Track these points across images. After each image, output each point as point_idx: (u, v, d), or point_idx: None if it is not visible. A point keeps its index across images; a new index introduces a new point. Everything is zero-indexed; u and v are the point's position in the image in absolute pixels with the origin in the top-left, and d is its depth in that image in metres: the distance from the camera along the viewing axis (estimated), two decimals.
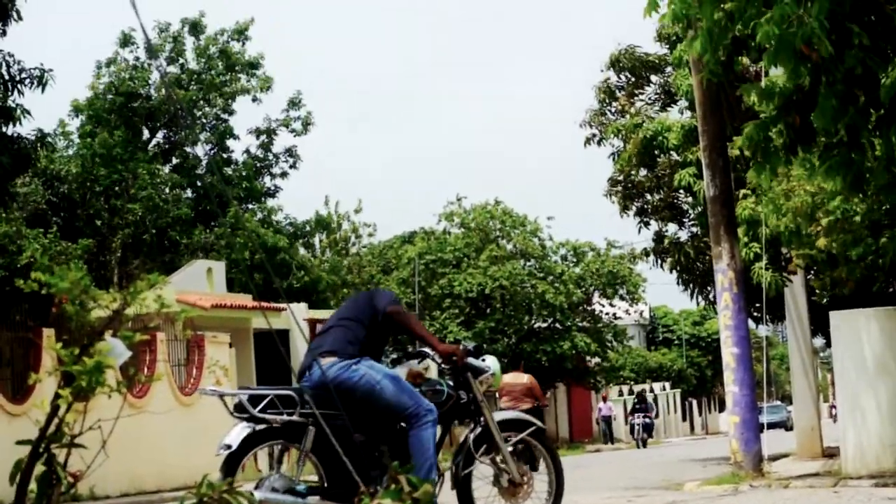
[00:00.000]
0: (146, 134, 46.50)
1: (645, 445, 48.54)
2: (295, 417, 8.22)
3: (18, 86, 24.08)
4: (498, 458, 8.76)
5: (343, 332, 8.57)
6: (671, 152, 24.86)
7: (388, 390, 8.34)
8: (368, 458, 8.10)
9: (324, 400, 8.17)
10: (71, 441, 3.94)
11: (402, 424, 8.35)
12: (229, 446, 8.17)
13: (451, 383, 8.82)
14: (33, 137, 24.75)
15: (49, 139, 25.76)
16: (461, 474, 8.61)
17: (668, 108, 26.88)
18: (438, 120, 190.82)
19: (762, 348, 35.22)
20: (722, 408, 68.90)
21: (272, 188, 49.40)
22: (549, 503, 8.86)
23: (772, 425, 47.28)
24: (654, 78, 27.38)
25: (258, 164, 49.22)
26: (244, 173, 47.79)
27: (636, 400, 52.70)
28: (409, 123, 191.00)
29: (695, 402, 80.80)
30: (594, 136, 26.87)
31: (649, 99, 27.43)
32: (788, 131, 13.31)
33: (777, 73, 14.10)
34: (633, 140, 24.88)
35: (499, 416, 8.98)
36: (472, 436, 8.74)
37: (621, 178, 26.37)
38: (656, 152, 24.96)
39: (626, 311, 57.41)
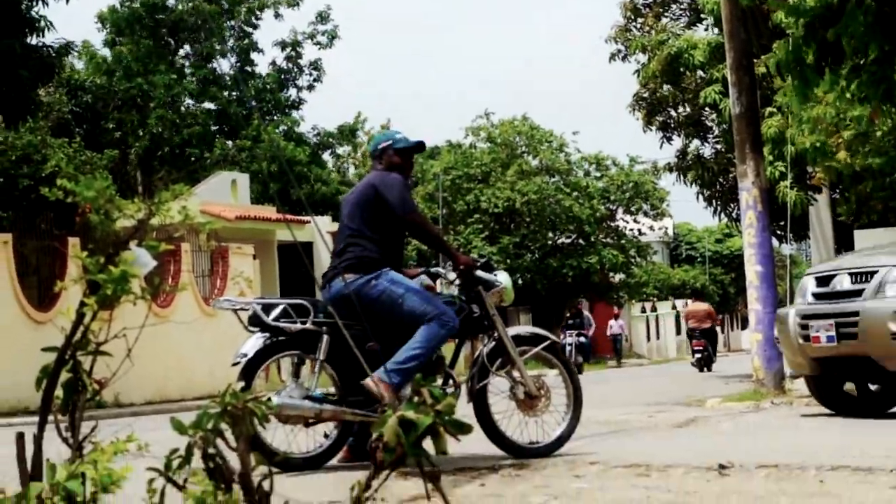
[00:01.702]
0: (172, 46, 46.42)
1: (580, 371, 35.22)
2: (308, 325, 8.28)
3: None
4: (513, 372, 8.79)
5: (360, 245, 8.54)
6: (697, 70, 24.73)
7: (409, 302, 8.36)
8: (380, 367, 8.08)
9: (342, 314, 8.15)
10: (96, 349, 3.97)
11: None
12: (245, 355, 8.25)
13: (463, 298, 8.82)
14: (57, 45, 24.71)
15: (73, 49, 25.69)
16: (476, 387, 8.63)
17: (695, 26, 26.73)
18: (467, 37, 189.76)
19: (785, 267, 35.16)
20: (744, 326, 68.92)
21: (297, 100, 49.33)
22: (568, 417, 8.88)
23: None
24: None
25: (283, 77, 49.11)
26: (269, 85, 47.70)
27: (569, 315, 42.95)
28: (437, 41, 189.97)
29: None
30: (619, 52, 26.75)
31: (675, 16, 27.27)
32: (817, 50, 13.23)
33: None
34: (658, 56, 24.75)
35: (513, 330, 9.00)
36: (485, 350, 8.76)
37: (646, 94, 26.27)
38: (682, 69, 24.83)
39: (651, 228, 57.28)
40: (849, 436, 9.71)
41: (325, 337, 8.28)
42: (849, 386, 12.62)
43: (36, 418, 3.94)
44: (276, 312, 8.31)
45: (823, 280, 11.94)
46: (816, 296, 11.94)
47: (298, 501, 5.86)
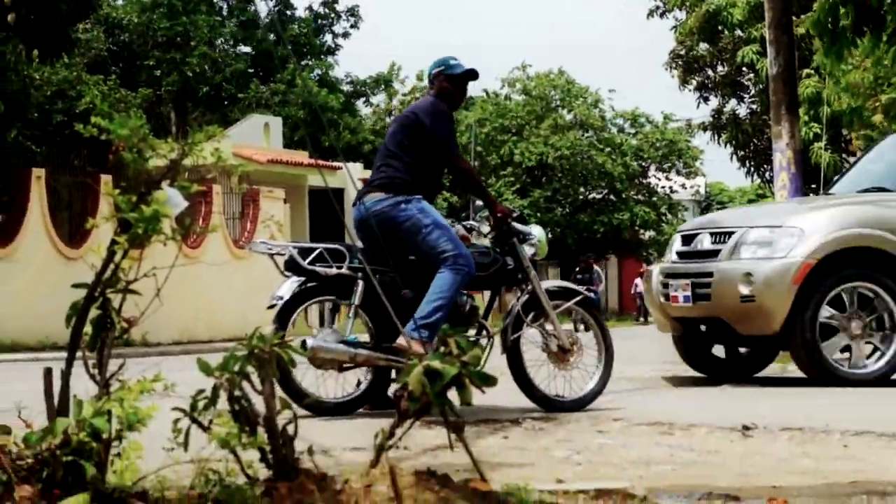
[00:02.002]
0: None
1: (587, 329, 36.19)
2: (344, 270, 8.30)
3: None
4: (547, 325, 8.78)
5: (394, 166, 8.54)
6: (735, 28, 24.59)
7: (432, 234, 8.36)
8: (415, 311, 8.13)
9: (370, 239, 8.34)
10: (126, 287, 3.98)
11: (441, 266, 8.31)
12: (281, 298, 8.29)
13: (497, 249, 8.81)
14: None
15: None
16: (510, 339, 8.63)
17: None
18: None
19: None
20: None
21: (332, 46, 49.23)
22: (598, 373, 8.89)
23: None
24: None
25: (319, 22, 49.01)
26: (304, 30, 47.60)
27: (578, 269, 42.24)
28: None
29: None
30: (657, 7, 26.63)
31: None
32: (855, 12, 13.13)
33: None
34: (696, 13, 24.63)
35: (546, 283, 9.00)
36: (520, 302, 8.75)
37: (683, 51, 26.15)
38: (720, 27, 24.69)
39: (683, 186, 57.12)
40: (875, 400, 9.69)
41: (360, 282, 8.29)
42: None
43: (64, 354, 3.96)
44: (312, 256, 8.30)
45: (688, 238, 11.82)
46: (679, 254, 11.86)
47: (322, 446, 5.88)
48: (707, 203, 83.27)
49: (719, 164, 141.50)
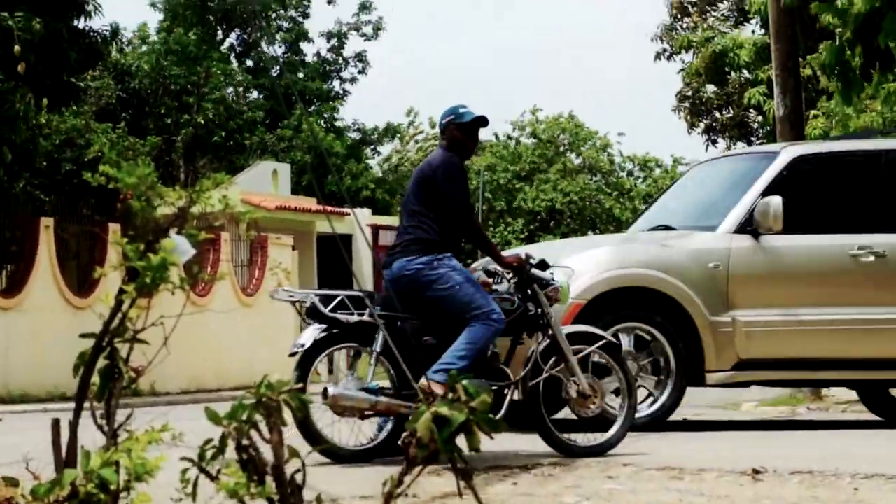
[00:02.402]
0: (220, 34, 46.55)
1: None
2: (366, 318, 8.28)
3: None
4: (567, 371, 8.77)
5: (422, 227, 8.57)
6: (742, 70, 24.66)
7: (464, 290, 8.40)
8: (435, 361, 8.20)
9: (400, 298, 8.37)
10: (133, 336, 3.98)
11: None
12: (303, 345, 8.30)
13: (519, 295, 8.82)
14: (106, 33, 24.80)
15: (121, 35, 25.80)
16: (529, 385, 8.63)
17: (741, 26, 26.65)
18: (513, 29, 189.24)
19: None
20: None
21: (341, 92, 49.33)
22: (622, 416, 8.90)
23: None
24: None
25: (327, 68, 49.13)
26: (311, 76, 47.73)
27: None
28: (481, 33, 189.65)
29: None
30: (665, 50, 26.72)
31: (722, 16, 27.20)
32: (863, 54, 13.18)
33: None
34: (703, 53, 24.71)
35: (568, 329, 9.01)
36: (539, 348, 8.74)
37: (690, 93, 26.22)
38: (727, 69, 24.76)
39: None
40: (885, 443, 9.66)
41: (382, 330, 8.28)
42: None
43: (72, 405, 3.95)
44: (333, 304, 8.33)
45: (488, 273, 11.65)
46: None
47: (331, 495, 5.86)
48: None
49: None
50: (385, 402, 8.22)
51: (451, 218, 8.59)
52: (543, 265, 9.02)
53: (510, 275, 8.88)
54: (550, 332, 8.77)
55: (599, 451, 8.64)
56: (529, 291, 8.80)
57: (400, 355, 8.04)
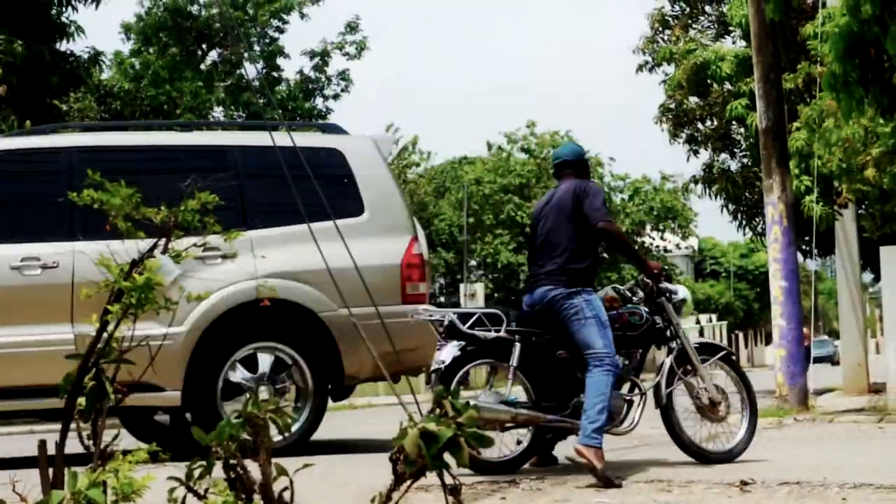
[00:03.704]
0: (199, 53, 46.50)
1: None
2: (502, 334, 8.55)
3: (73, 2, 24.12)
4: (695, 380, 9.11)
5: (566, 258, 8.79)
6: (724, 82, 24.70)
7: (589, 328, 8.57)
8: (570, 375, 8.62)
9: (538, 315, 8.72)
10: (119, 356, 3.98)
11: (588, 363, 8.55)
12: (443, 362, 8.55)
13: (647, 309, 9.13)
14: (87, 56, 24.79)
15: (102, 58, 25.79)
16: (664, 394, 8.93)
17: (723, 39, 26.69)
18: (499, 50, 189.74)
19: (811, 282, 35.07)
20: (768, 341, 68.80)
21: (323, 110, 49.28)
22: (745, 424, 9.21)
23: (818, 360, 47.23)
24: (708, 8, 27.19)
25: (310, 86, 49.10)
26: (294, 94, 47.69)
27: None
28: (467, 53, 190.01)
29: (741, 335, 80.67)
30: (646, 63, 26.76)
31: (703, 28, 27.25)
32: (861, 66, 13.27)
33: (835, 6, 13.99)
34: (684, 66, 24.74)
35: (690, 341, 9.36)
36: (671, 357, 9.06)
37: (672, 105, 26.25)
38: (709, 81, 24.80)
39: (676, 246, 57.31)
40: (872, 453, 9.67)
41: (517, 345, 8.58)
42: None
43: (58, 426, 3.95)
44: (471, 321, 8.59)
45: None
46: None
47: None
48: (700, 259, 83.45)
49: (710, 218, 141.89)
50: (525, 413, 8.50)
51: (595, 229, 8.79)
52: (668, 277, 9.47)
53: (642, 294, 9.22)
54: (679, 342, 9.11)
55: (729, 457, 8.95)
56: (656, 305, 9.14)
57: (536, 369, 8.59)
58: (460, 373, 8.57)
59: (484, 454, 8.37)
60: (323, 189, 8.91)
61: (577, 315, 8.61)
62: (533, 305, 8.85)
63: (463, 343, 8.59)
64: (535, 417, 8.51)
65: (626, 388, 8.93)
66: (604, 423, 8.32)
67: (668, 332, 9.13)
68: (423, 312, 8.84)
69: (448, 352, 8.62)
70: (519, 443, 8.67)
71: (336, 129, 11.54)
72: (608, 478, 7.78)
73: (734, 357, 9.58)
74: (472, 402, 8.02)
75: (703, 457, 8.90)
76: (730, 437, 9.15)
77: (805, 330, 41.13)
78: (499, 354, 8.65)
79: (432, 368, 8.69)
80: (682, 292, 9.34)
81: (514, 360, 8.55)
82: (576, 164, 9.27)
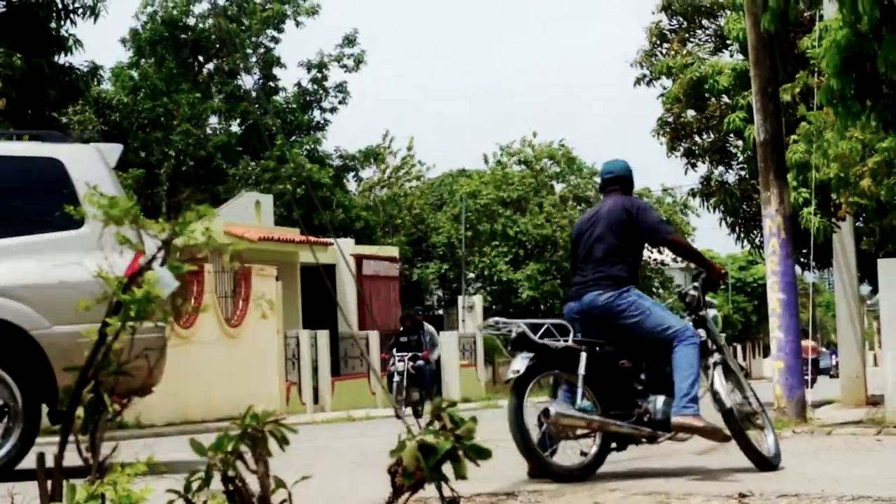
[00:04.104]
0: (195, 65, 46.55)
1: (419, 413, 25.31)
2: (570, 343, 8.82)
3: (71, 15, 24.16)
4: (739, 390, 9.46)
5: (610, 263, 9.23)
6: (721, 96, 24.73)
7: (655, 315, 9.09)
8: (632, 384, 9.00)
9: (593, 327, 9.08)
10: (118, 369, 3.98)
11: (671, 342, 9.03)
12: (518, 371, 8.71)
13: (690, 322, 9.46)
14: (85, 69, 24.81)
15: (100, 72, 25.83)
16: (725, 399, 9.20)
17: (720, 52, 26.73)
18: (498, 62, 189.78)
19: (808, 295, 35.06)
20: (766, 354, 68.78)
21: (321, 122, 49.35)
22: (770, 431, 9.54)
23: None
24: (705, 22, 27.24)
25: (307, 98, 49.16)
26: (292, 106, 47.77)
27: (401, 329, 28.11)
28: (467, 65, 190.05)
29: (739, 347, 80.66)
30: (644, 76, 26.79)
31: (700, 41, 27.29)
32: (856, 80, 13.29)
33: (831, 18, 14.00)
34: (681, 80, 24.78)
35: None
36: (719, 369, 9.34)
37: (670, 118, 26.28)
38: (707, 95, 24.83)
39: (674, 260, 57.32)
40: (871, 466, 9.66)
41: (584, 354, 8.87)
42: None
43: (57, 438, 3.95)
44: (541, 332, 8.83)
45: None
46: None
47: None
48: (697, 272, 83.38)
49: (708, 231, 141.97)
50: (599, 420, 8.79)
51: (641, 243, 9.45)
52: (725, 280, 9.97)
53: (682, 301, 9.70)
54: (721, 355, 9.42)
55: (776, 465, 9.23)
56: (698, 318, 9.49)
57: (601, 378, 8.90)
58: (532, 382, 8.78)
59: (563, 462, 8.75)
60: (40, 201, 8.75)
61: (635, 310, 9.05)
62: (581, 313, 9.14)
63: (533, 353, 8.76)
64: (607, 424, 8.80)
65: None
66: (697, 393, 8.86)
67: (708, 344, 9.38)
68: (492, 324, 9.03)
69: (520, 362, 8.76)
70: (583, 454, 8.89)
71: (56, 138, 10.98)
72: (715, 429, 8.80)
73: (745, 371, 10.01)
74: (551, 409, 8.60)
75: (766, 464, 9.15)
76: (761, 445, 9.37)
77: (812, 343, 44.58)
78: (564, 364, 8.91)
79: (507, 378, 8.85)
80: (713, 310, 9.71)
81: (581, 369, 8.83)
82: (625, 181, 9.65)
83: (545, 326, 8.83)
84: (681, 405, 8.75)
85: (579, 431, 8.79)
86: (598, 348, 8.91)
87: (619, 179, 9.63)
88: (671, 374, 9.04)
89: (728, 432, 9.03)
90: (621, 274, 9.18)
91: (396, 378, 26.27)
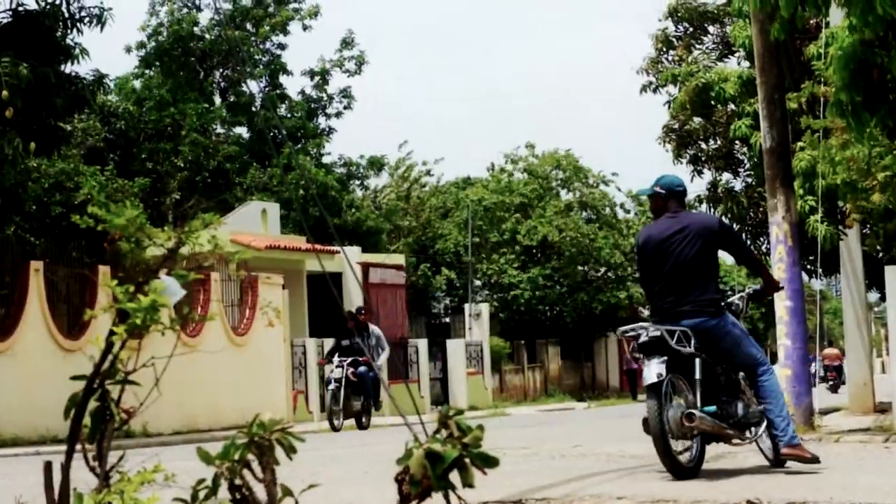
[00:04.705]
0: (202, 74, 46.61)
1: (366, 425, 24.54)
2: (693, 350, 9.42)
3: (78, 24, 24.18)
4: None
5: (707, 287, 9.74)
6: (728, 103, 24.72)
7: (745, 343, 9.82)
8: (722, 388, 9.66)
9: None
10: (125, 378, 3.97)
11: (756, 369, 9.85)
12: (661, 375, 9.24)
13: None
14: (91, 78, 24.83)
15: (106, 81, 25.84)
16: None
17: (726, 59, 26.72)
18: (504, 67, 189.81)
19: (816, 302, 35.00)
20: (773, 361, 68.67)
21: (327, 129, 49.37)
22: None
23: (824, 379, 47.45)
24: (711, 29, 27.23)
25: (312, 105, 49.19)
26: (297, 114, 47.79)
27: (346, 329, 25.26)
28: (472, 70, 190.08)
29: None
30: (650, 83, 26.78)
31: (707, 49, 27.27)
32: (864, 89, 13.28)
33: (838, 25, 13.99)
34: (687, 87, 24.77)
35: None
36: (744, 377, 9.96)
37: (676, 125, 26.26)
38: (713, 102, 24.82)
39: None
40: (879, 473, 9.65)
41: (698, 361, 9.46)
42: None
43: (64, 447, 3.94)
44: (675, 338, 9.39)
45: None
46: None
47: None
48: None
49: None
50: (718, 424, 9.42)
51: (746, 259, 10.26)
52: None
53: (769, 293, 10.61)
54: None
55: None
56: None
57: (704, 383, 9.49)
58: (664, 386, 9.25)
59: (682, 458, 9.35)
60: None
61: (730, 336, 9.69)
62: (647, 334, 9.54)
63: (666, 357, 9.27)
64: (721, 428, 9.46)
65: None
66: (789, 422, 9.69)
67: None
68: (633, 331, 9.49)
69: (659, 366, 9.24)
70: (685, 451, 9.43)
71: None
72: (816, 458, 9.50)
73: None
74: (695, 413, 9.21)
75: (781, 464, 9.82)
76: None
77: (836, 350, 48.94)
78: (683, 369, 9.44)
79: (648, 382, 9.24)
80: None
81: (697, 374, 9.41)
82: (682, 195, 10.16)
83: (677, 332, 9.34)
84: (788, 435, 9.57)
85: (696, 433, 9.34)
86: (704, 355, 9.49)
87: (681, 193, 10.12)
88: (740, 380, 9.77)
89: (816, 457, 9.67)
90: (716, 296, 9.76)
91: (333, 385, 24.10)
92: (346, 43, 49.35)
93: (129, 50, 45.84)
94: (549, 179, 54.19)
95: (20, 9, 23.58)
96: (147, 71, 45.16)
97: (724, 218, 25.88)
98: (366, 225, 44.74)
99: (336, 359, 24.46)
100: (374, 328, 25.35)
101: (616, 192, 55.06)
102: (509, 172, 55.60)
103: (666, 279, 9.68)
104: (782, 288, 10.24)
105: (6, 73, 21.05)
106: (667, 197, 9.95)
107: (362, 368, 24.15)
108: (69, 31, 24.14)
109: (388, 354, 26.48)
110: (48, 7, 23.66)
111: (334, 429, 23.44)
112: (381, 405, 25.66)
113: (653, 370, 9.21)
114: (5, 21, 23.50)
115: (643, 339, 9.32)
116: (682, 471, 9.16)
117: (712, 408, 9.40)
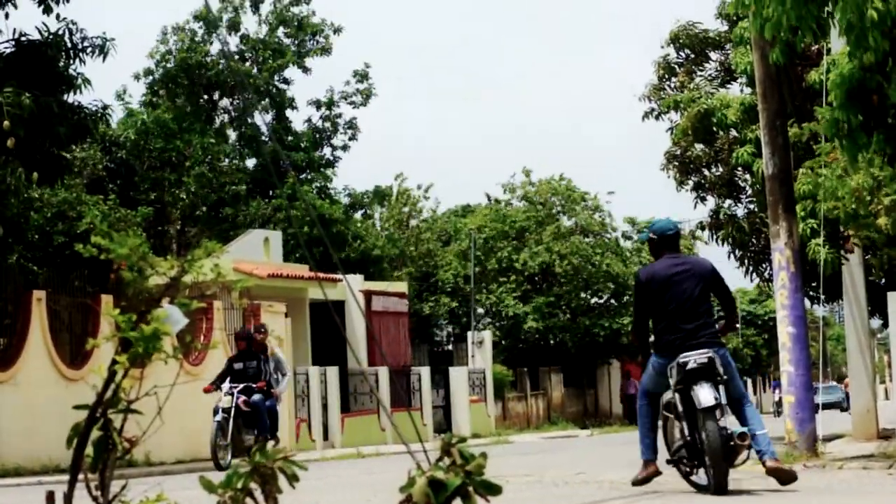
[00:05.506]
0: (208, 104, 46.72)
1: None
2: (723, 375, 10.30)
3: (80, 54, 24.24)
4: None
5: (711, 322, 10.66)
6: (730, 129, 24.75)
7: (737, 378, 10.61)
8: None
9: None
10: (127, 407, 3.97)
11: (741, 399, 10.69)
12: (717, 398, 10.09)
13: None
14: (94, 109, 24.88)
15: (109, 112, 25.89)
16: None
17: (728, 85, 26.77)
18: (503, 97, 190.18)
19: (819, 328, 35.00)
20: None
21: (332, 159, 49.43)
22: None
23: (827, 406, 47.27)
24: (713, 55, 27.29)
25: (318, 136, 49.25)
26: (303, 144, 47.86)
27: (233, 356, 22.69)
28: (473, 100, 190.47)
29: (749, 381, 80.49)
30: (652, 110, 26.82)
31: (709, 76, 27.32)
32: (863, 112, 13.30)
33: (839, 52, 14.02)
34: (688, 114, 24.81)
35: None
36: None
37: (678, 152, 26.29)
38: (714, 128, 24.86)
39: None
40: (882, 500, 9.62)
41: (723, 386, 10.31)
42: None
43: (66, 476, 3.94)
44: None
45: None
46: None
47: None
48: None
49: (718, 265, 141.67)
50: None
51: (728, 300, 11.25)
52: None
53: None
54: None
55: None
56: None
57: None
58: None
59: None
60: None
61: (731, 367, 10.47)
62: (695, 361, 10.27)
63: (714, 382, 10.16)
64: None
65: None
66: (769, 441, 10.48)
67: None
68: (684, 357, 10.18)
69: (711, 390, 10.07)
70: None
71: None
72: (794, 473, 10.47)
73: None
74: (746, 433, 10.05)
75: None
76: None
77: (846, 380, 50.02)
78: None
79: (705, 405, 9.95)
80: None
81: (722, 398, 10.19)
82: (673, 238, 10.99)
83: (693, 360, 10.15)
84: (771, 451, 10.43)
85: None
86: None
87: (676, 236, 10.99)
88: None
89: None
90: (717, 331, 10.69)
91: (220, 416, 20.44)
92: (360, 76, 49.38)
93: (137, 77, 45.99)
94: (548, 206, 54.20)
95: (23, 39, 23.66)
96: (154, 98, 45.23)
97: (726, 244, 25.93)
98: (373, 254, 44.79)
99: (226, 385, 20.87)
100: (275, 349, 22.19)
101: (614, 214, 55.12)
102: (506, 202, 55.65)
103: (674, 314, 10.46)
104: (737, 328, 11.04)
105: (9, 102, 21.11)
106: (658, 242, 10.89)
107: (257, 397, 20.79)
108: (72, 62, 24.20)
109: (289, 380, 23.33)
110: (51, 37, 23.74)
111: (219, 468, 19.36)
112: (278, 440, 21.63)
113: (708, 394, 9.97)
114: (8, 51, 23.57)
115: (691, 365, 10.07)
116: (725, 487, 9.85)
117: (745, 428, 10.16)
